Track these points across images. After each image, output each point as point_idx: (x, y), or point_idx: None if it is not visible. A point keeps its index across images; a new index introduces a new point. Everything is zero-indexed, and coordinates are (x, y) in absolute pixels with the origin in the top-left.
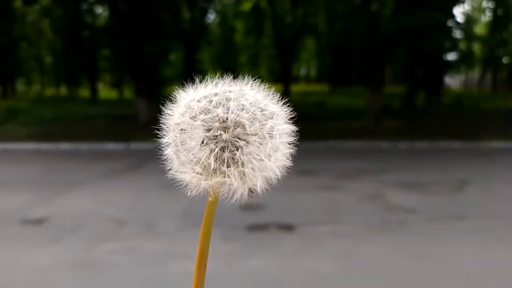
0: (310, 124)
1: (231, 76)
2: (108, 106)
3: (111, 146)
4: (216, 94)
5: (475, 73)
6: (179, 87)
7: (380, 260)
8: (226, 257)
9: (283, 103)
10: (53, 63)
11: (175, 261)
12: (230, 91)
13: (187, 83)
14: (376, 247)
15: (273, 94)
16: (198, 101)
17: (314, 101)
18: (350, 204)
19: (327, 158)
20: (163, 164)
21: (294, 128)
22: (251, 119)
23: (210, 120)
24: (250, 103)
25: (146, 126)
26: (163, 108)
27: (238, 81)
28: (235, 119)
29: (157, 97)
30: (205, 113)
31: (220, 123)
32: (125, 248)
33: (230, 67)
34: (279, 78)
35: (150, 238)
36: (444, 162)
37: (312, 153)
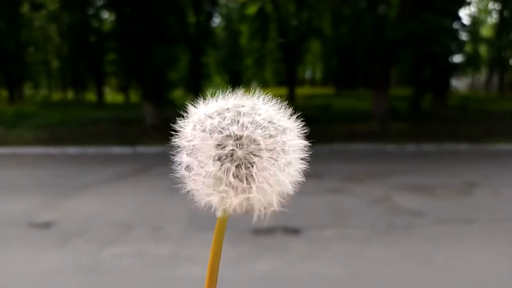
0: (315, 127)
1: (241, 89)
2: (115, 110)
3: (117, 149)
4: (228, 110)
5: (482, 75)
6: (190, 102)
7: (387, 264)
8: (232, 261)
9: (295, 118)
10: (60, 67)
11: (182, 264)
12: (242, 106)
13: (196, 94)
14: (383, 250)
15: (284, 108)
16: (211, 117)
17: (320, 104)
18: (357, 207)
19: (333, 161)
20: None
21: (306, 143)
22: (265, 135)
23: (224, 138)
24: (263, 119)
25: (152, 130)
26: (170, 115)
27: (249, 94)
28: (249, 136)
29: (163, 100)
30: (219, 131)
31: (234, 140)
32: (132, 251)
33: (236, 70)
34: (284, 81)
35: (157, 241)
36: (451, 165)
37: (318, 156)
